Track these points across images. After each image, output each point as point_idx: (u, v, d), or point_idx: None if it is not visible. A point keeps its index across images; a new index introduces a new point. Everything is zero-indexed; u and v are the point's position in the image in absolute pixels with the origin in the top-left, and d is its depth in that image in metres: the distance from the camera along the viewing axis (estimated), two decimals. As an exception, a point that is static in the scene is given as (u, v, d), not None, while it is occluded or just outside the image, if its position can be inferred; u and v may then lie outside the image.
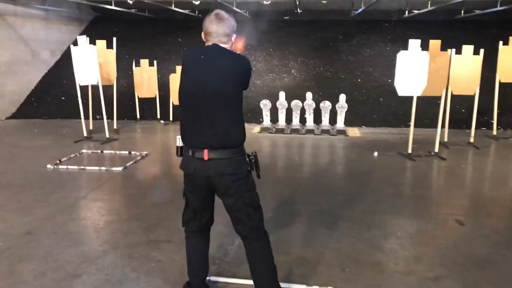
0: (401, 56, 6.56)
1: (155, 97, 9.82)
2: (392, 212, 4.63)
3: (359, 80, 11.05)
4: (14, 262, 3.52)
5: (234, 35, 2.72)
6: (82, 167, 6.20)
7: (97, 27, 13.34)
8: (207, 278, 3.27)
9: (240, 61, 2.65)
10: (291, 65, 11.66)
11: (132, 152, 7.06)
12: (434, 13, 12.30)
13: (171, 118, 9.73)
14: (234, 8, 10.51)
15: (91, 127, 8.59)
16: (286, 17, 13.15)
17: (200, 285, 2.99)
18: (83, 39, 7.67)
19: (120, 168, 6.15)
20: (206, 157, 2.63)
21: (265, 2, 9.86)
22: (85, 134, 8.03)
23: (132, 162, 6.48)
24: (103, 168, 6.17)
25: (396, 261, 3.58)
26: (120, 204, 4.87)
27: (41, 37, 11.35)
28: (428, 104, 8.91)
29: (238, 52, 2.78)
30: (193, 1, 9.70)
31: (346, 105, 9.00)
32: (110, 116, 8.45)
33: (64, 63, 11.00)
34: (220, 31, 2.64)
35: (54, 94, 10.94)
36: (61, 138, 8.19)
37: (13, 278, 3.27)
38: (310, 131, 8.77)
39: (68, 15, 12.34)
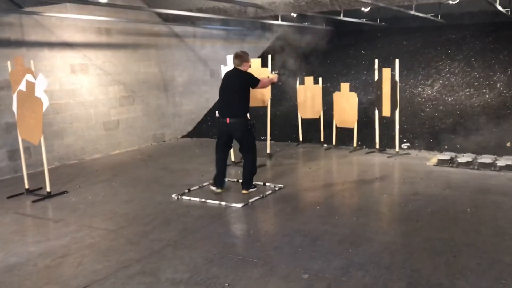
0: None
1: (319, 118, 8.82)
2: None
3: None
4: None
5: (246, 63, 5.84)
6: (203, 199, 5.62)
7: (280, 45, 13.03)
8: None
9: (245, 75, 5.80)
10: (496, 78, 9.24)
11: (267, 184, 6.21)
12: None
13: (334, 142, 8.60)
14: (415, 13, 8.77)
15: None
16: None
17: (222, 180, 5.93)
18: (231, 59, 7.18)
19: (240, 205, 5.36)
20: (228, 121, 5.66)
21: (451, 2, 7.88)
22: (233, 159, 7.53)
23: (258, 197, 5.63)
24: (223, 202, 5.47)
25: None
26: (203, 259, 4.01)
27: (221, 57, 11.44)
28: None
29: (248, 71, 5.88)
30: (362, 9, 8.38)
31: None
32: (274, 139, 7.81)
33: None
34: (236, 62, 5.86)
35: (227, 113, 10.91)
36: (212, 161, 7.86)
37: None
38: (509, 168, 6.54)
39: (251, 34, 12.30)
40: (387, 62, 9.81)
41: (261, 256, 3.99)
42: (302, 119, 9.02)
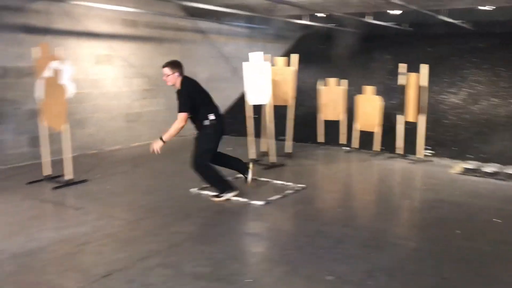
0: None
1: (341, 120, 8.72)
2: None
3: None
4: (56, 315, 2.95)
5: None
6: (223, 195, 5.56)
7: (303, 45, 12.95)
8: None
9: None
10: (524, 88, 9.05)
11: (288, 183, 6.13)
12: None
13: (355, 145, 8.48)
14: (444, 18, 8.62)
15: (264, 149, 7.99)
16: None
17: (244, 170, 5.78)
18: (257, 55, 7.16)
19: (261, 202, 5.29)
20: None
21: (487, 8, 7.72)
22: (250, 157, 7.46)
23: (279, 196, 5.55)
24: (244, 199, 5.40)
25: None
26: (225, 253, 3.95)
27: (244, 55, 11.38)
28: None
29: None
30: (391, 11, 8.25)
31: None
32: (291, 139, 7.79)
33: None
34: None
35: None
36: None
37: None
38: (536, 179, 6.38)
39: (274, 33, 12.22)
40: (410, 68, 9.66)
41: (283, 255, 3.91)
42: (322, 121, 8.92)
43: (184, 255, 3.90)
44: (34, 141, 7.20)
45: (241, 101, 11.32)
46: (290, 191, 5.78)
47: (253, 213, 5.05)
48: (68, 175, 5.97)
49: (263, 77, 7.04)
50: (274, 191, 5.80)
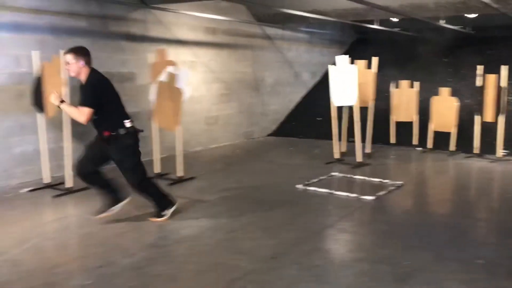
0: None
1: (413, 122, 8.97)
2: None
3: None
4: (255, 289, 3.30)
5: None
6: (331, 191, 5.87)
7: (358, 49, 13.21)
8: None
9: None
10: None
11: (385, 181, 6.42)
12: None
13: (429, 146, 8.71)
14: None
15: (343, 149, 8.30)
16: None
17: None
18: (343, 59, 7.47)
19: (371, 197, 5.58)
20: None
21: None
22: (336, 156, 7.78)
23: (384, 192, 5.84)
24: (353, 195, 5.71)
25: None
26: (369, 240, 4.29)
27: (304, 60, 11.82)
28: None
29: None
30: (466, 15, 8.50)
31: None
32: (364, 140, 8.11)
33: (323, 85, 11.14)
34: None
35: (310, 114, 11.18)
36: (312, 158, 8.15)
37: (251, 309, 3.03)
38: None
39: (330, 37, 12.57)
40: (472, 70, 9.88)
41: (423, 242, 4.19)
42: (394, 122, 9.17)
43: (331, 241, 4.24)
44: (132, 142, 7.63)
45: (303, 104, 11.72)
46: (392, 188, 6.06)
47: (368, 206, 5.35)
48: (180, 172, 6.36)
49: (349, 80, 7.33)
50: (376, 187, 6.09)
